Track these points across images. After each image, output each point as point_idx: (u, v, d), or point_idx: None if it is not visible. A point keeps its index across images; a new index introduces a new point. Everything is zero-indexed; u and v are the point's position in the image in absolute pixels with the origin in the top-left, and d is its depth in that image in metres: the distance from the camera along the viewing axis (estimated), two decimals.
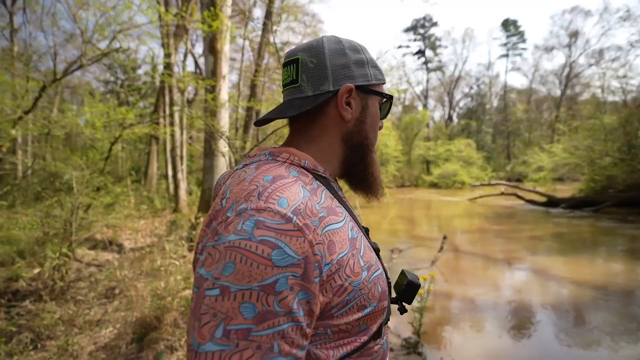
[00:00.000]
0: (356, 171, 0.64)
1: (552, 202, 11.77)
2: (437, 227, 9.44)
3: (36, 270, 4.02)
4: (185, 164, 9.41)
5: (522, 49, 37.45)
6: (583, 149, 13.06)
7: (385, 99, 0.66)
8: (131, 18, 5.67)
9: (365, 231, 0.66)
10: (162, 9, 6.14)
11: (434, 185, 23.94)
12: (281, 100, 0.67)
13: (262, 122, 0.66)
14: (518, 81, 76.57)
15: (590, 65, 30.61)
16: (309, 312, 0.44)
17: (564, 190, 13.60)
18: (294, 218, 0.44)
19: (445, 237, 6.12)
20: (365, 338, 0.53)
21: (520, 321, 3.50)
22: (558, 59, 59.96)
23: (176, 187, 8.76)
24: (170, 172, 10.33)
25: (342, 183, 0.70)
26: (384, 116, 0.67)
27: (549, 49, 34.39)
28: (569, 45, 32.31)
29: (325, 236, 0.47)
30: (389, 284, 0.60)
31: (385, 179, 10.85)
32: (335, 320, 0.49)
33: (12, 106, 4.88)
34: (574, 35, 31.67)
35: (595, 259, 5.80)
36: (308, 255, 0.44)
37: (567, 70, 32.56)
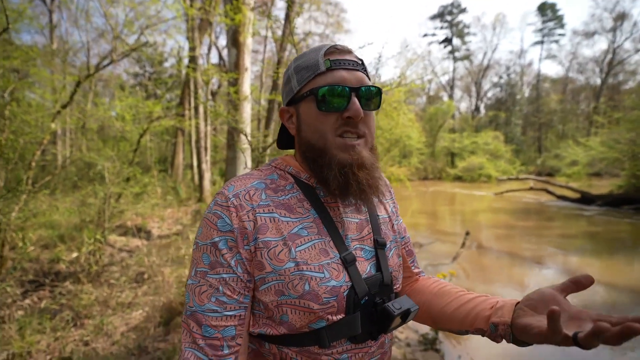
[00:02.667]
0: (319, 176, 0.63)
1: (586, 198, 11.11)
2: (460, 222, 9.20)
3: (74, 254, 4.32)
4: (209, 154, 9.68)
5: (560, 34, 35.09)
6: (625, 143, 12.17)
7: (307, 95, 0.62)
8: (158, 13, 5.83)
9: (376, 243, 0.66)
10: (187, 3, 6.26)
11: (458, 179, 23.24)
12: None
13: (280, 146, 0.78)
14: (552, 70, 72.18)
15: (638, 50, 28.24)
16: (246, 271, 0.58)
17: (600, 187, 12.79)
18: (232, 199, 0.60)
19: (468, 233, 5.97)
20: (285, 331, 0.58)
21: None
22: (599, 44, 55.74)
23: (200, 177, 9.05)
24: (195, 163, 10.68)
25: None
26: (324, 107, 0.60)
27: (589, 34, 32.00)
28: (613, 30, 29.85)
29: (260, 218, 0.59)
30: (370, 304, 0.60)
31: (408, 172, 10.65)
32: (260, 294, 0.59)
33: (52, 100, 5.20)
34: (620, 18, 29.19)
35: (634, 262, 5.45)
36: (240, 226, 0.58)
37: (609, 56, 30.21)
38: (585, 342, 0.44)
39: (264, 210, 0.60)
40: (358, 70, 0.64)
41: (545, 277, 4.89)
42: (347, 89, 0.60)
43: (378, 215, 0.72)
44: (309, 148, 0.64)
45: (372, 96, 0.64)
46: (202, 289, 0.57)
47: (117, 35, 4.94)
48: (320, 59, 0.62)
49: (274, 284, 0.58)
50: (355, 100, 0.61)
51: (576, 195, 11.56)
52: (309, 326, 0.58)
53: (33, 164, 3.82)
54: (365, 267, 0.64)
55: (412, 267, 0.82)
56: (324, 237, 0.61)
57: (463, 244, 5.68)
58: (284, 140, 0.75)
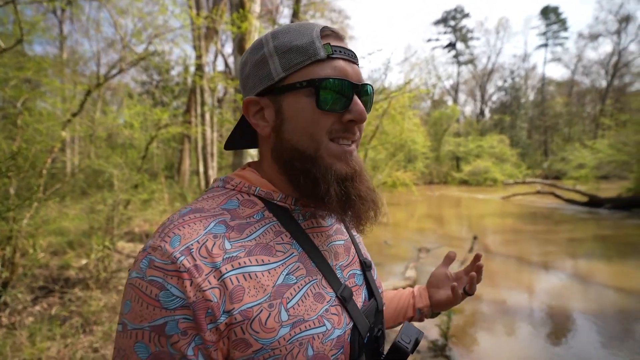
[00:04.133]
0: (308, 191, 0.50)
1: (594, 202, 10.98)
2: (467, 226, 9.13)
3: (84, 261, 4.37)
4: (215, 160, 9.75)
5: (564, 37, 35.03)
6: (632, 145, 12.04)
7: (303, 87, 0.48)
8: (166, 22, 5.94)
9: (363, 266, 0.59)
10: (194, 12, 6.38)
11: (463, 183, 23.12)
12: None
13: (228, 146, 0.63)
14: (557, 73, 71.85)
15: None
16: (209, 358, 0.41)
17: (609, 190, 12.63)
18: (181, 258, 0.41)
19: (475, 237, 5.92)
20: None
21: (557, 328, 3.33)
22: (604, 47, 55.50)
23: (207, 183, 9.11)
24: (201, 169, 10.76)
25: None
26: (326, 105, 0.48)
27: (594, 37, 31.89)
28: (618, 32, 29.75)
29: (230, 280, 0.42)
30: (371, 339, 0.51)
31: (414, 176, 10.61)
32: None
33: (63, 109, 5.30)
34: (625, 20, 29.09)
35: None
36: (197, 299, 0.40)
37: (615, 59, 30.04)
38: (470, 291, 0.70)
39: (232, 267, 0.43)
40: (356, 63, 0.52)
41: (554, 281, 4.82)
42: (351, 85, 0.49)
43: (355, 235, 0.64)
44: (296, 155, 0.49)
45: (371, 96, 0.54)
46: None
47: (126, 45, 5.05)
48: (317, 41, 0.48)
49: None
50: (358, 101, 0.50)
51: (584, 199, 11.42)
52: None
53: (44, 171, 3.89)
54: (360, 296, 0.55)
55: None
56: (315, 277, 0.49)
57: (471, 249, 5.64)
58: (236, 140, 0.61)
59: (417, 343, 0.53)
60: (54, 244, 4.86)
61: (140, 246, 5.84)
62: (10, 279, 3.21)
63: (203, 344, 0.40)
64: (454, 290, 0.68)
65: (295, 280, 0.47)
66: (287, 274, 0.46)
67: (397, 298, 0.77)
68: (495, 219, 10.24)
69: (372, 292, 0.58)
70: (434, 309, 0.75)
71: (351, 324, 0.49)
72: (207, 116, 9.17)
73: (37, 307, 3.39)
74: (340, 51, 0.49)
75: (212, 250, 0.43)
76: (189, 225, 0.44)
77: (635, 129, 12.37)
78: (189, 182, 12.56)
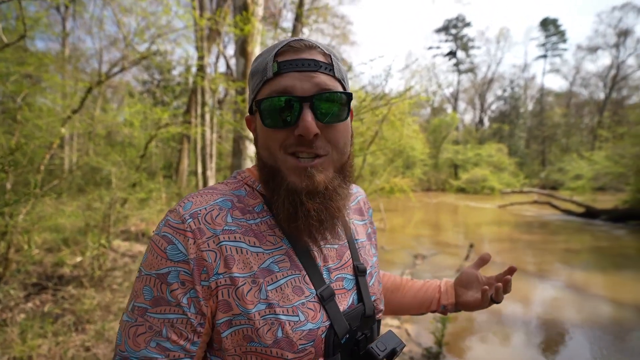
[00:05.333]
0: (270, 202, 0.54)
1: (591, 213, 11.03)
2: (464, 234, 9.14)
3: (79, 259, 4.33)
4: (214, 162, 9.74)
5: (563, 49, 35.39)
6: (629, 157, 12.13)
7: (254, 106, 0.53)
8: (169, 22, 5.97)
9: (356, 271, 0.59)
10: (197, 13, 6.41)
11: (461, 190, 23.18)
12: None
13: None
14: (556, 83, 72.56)
15: None
16: (200, 312, 0.47)
17: (605, 201, 12.70)
18: (189, 220, 0.49)
19: (472, 245, 5.93)
20: None
21: (551, 338, 3.34)
22: (603, 59, 56.14)
23: (205, 184, 9.09)
24: (200, 170, 10.73)
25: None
26: (267, 123, 0.50)
27: (593, 49, 32.24)
28: (616, 45, 30.10)
29: (225, 248, 0.49)
30: (350, 341, 0.53)
31: (411, 183, 10.63)
32: (225, 341, 0.48)
33: (63, 105, 5.30)
34: (624, 34, 29.47)
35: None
36: (197, 257, 0.47)
37: (613, 72, 30.35)
38: (497, 299, 0.71)
39: (229, 238, 0.49)
40: (318, 71, 0.50)
41: (549, 291, 4.83)
42: (295, 99, 0.48)
43: (357, 240, 0.65)
44: (263, 166, 0.54)
45: (335, 104, 0.50)
46: (138, 330, 0.46)
47: (129, 43, 5.06)
48: (270, 61, 0.50)
49: (241, 327, 0.48)
50: (307, 114, 0.48)
51: (580, 210, 11.47)
52: None
53: (42, 167, 3.87)
54: (347, 299, 0.56)
55: None
56: (298, 272, 0.52)
57: (467, 257, 5.64)
58: None
59: (393, 353, 0.53)
60: (49, 241, 4.82)
61: (136, 245, 5.80)
62: (4, 275, 3.18)
63: (196, 297, 0.47)
64: (484, 294, 0.70)
65: (278, 270, 0.51)
66: (271, 262, 0.51)
67: (423, 290, 0.80)
68: (491, 228, 10.26)
69: (361, 297, 0.58)
70: (458, 308, 0.77)
71: (328, 323, 0.51)
72: (208, 117, 9.18)
73: (30, 304, 3.36)
74: (290, 65, 0.49)
75: (215, 219, 0.50)
76: (202, 196, 0.52)
77: (632, 142, 12.48)
78: (187, 182, 12.53)
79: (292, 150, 0.50)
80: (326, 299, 0.52)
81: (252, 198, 0.55)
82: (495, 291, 0.70)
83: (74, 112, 4.27)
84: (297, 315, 0.50)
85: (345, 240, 0.62)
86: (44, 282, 3.76)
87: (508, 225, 10.24)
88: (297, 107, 0.49)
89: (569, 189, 16.06)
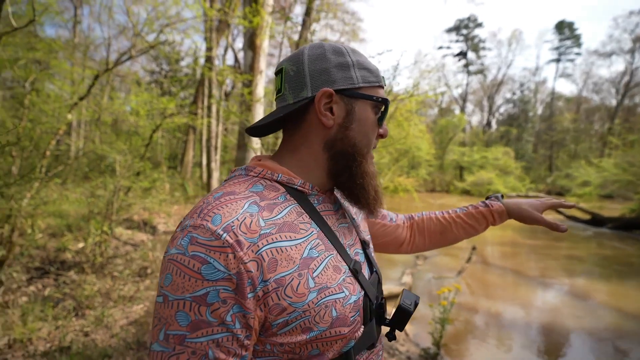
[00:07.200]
0: (342, 181, 0.60)
1: (597, 220, 10.88)
2: None
3: (81, 245, 4.37)
4: (219, 154, 9.76)
5: (576, 54, 34.80)
6: (639, 166, 11.94)
7: (378, 102, 0.60)
8: (178, 13, 5.95)
9: (363, 244, 0.67)
10: (207, 4, 6.38)
11: (466, 192, 23.00)
12: None
13: (251, 130, 0.64)
14: (566, 88, 71.45)
15: None
16: (246, 325, 0.46)
17: (612, 209, 12.54)
18: (224, 235, 0.46)
19: (474, 248, 5.88)
20: None
21: (552, 344, 3.30)
22: (616, 65, 55.09)
23: (209, 175, 9.13)
24: (204, 161, 10.78)
25: None
26: (380, 121, 0.62)
27: (606, 55, 31.66)
28: (632, 51, 29.48)
29: (265, 253, 0.48)
30: (377, 306, 0.60)
31: (416, 183, 10.57)
32: (279, 338, 0.49)
33: (70, 92, 5.31)
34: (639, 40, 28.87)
35: None
36: (240, 271, 0.45)
37: (626, 78, 29.82)
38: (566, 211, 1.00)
39: (267, 242, 0.49)
40: None
41: (551, 297, 4.78)
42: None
43: (353, 219, 0.71)
44: (355, 150, 0.59)
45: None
46: (180, 358, 0.44)
47: (138, 33, 5.05)
48: (379, 72, 0.63)
49: (299, 322, 0.49)
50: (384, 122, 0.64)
51: (586, 217, 11.33)
52: (340, 351, 0.54)
53: (48, 153, 3.89)
54: (365, 271, 0.63)
55: (393, 221, 0.90)
56: (332, 252, 0.56)
57: (469, 259, 5.60)
58: (264, 128, 0.64)
59: (416, 305, 0.62)
60: (53, 226, 4.87)
61: (138, 234, 5.84)
62: (7, 258, 3.21)
63: (242, 311, 0.46)
64: (549, 206, 0.89)
65: (318, 254, 0.54)
66: (310, 249, 0.53)
67: (472, 220, 0.90)
68: (494, 231, 10.18)
69: (372, 266, 0.66)
70: (510, 216, 0.89)
71: (362, 292, 0.57)
72: (214, 108, 9.18)
73: (32, 288, 3.39)
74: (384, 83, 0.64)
75: (250, 227, 0.48)
76: (227, 206, 0.49)
77: None
78: (192, 173, 12.58)
79: (372, 146, 0.63)
80: (358, 272, 0.58)
81: (272, 191, 0.56)
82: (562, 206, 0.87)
83: (81, 98, 4.28)
84: (343, 292, 0.54)
85: (349, 219, 0.68)
86: (46, 267, 3.80)
87: (511, 229, 10.15)
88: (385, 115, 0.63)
89: (575, 196, 15.88)
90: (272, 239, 0.49)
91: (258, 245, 0.47)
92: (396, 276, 4.92)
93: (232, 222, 0.47)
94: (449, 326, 3.05)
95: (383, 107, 0.62)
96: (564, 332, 3.58)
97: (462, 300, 4.01)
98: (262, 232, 0.49)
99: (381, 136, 0.64)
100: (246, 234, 0.47)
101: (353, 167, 0.59)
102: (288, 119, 0.61)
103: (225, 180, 0.59)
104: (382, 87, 0.62)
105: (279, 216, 0.52)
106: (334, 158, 0.59)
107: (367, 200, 0.61)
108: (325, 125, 0.58)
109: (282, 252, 0.50)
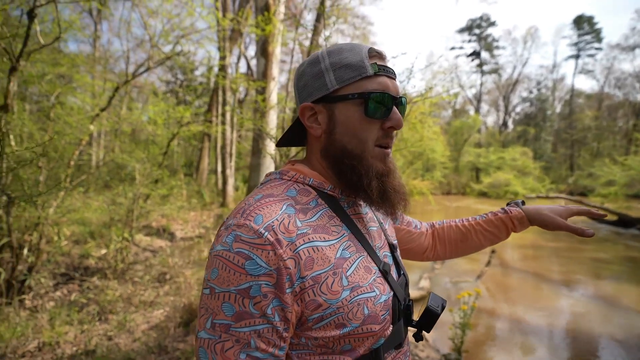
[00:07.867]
0: (353, 184, 0.59)
1: (624, 221, 10.40)
2: None
3: (103, 251, 4.51)
4: (234, 161, 9.92)
5: (597, 48, 33.63)
6: None
7: (354, 99, 0.57)
8: (192, 24, 6.13)
9: (392, 248, 0.69)
10: (220, 14, 6.55)
11: (483, 195, 22.45)
12: None
13: (279, 142, 0.70)
14: (587, 85, 69.13)
15: None
16: (284, 319, 0.50)
17: None
18: (265, 233, 0.49)
19: (493, 251, 5.74)
20: (349, 359, 0.54)
21: (578, 351, 3.16)
22: None
23: (224, 182, 9.27)
24: (219, 168, 10.97)
25: None
26: (372, 113, 0.58)
27: (629, 48, 30.46)
28: None
29: (302, 252, 0.51)
30: (405, 307, 0.62)
31: (431, 185, 10.42)
32: (314, 332, 0.53)
33: (92, 104, 5.54)
34: None
35: None
36: (279, 267, 0.49)
37: None
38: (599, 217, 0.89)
39: (304, 241, 0.52)
40: (395, 79, 0.62)
41: (576, 302, 4.59)
42: (391, 97, 0.59)
43: (381, 222, 0.73)
44: (345, 153, 0.59)
45: (405, 107, 0.64)
46: (225, 345, 0.48)
47: (155, 45, 5.23)
48: (366, 60, 0.58)
49: (333, 318, 0.52)
50: (397, 110, 0.60)
51: (613, 218, 10.84)
52: (371, 348, 0.56)
53: (72, 163, 4.05)
54: (394, 273, 0.65)
55: (417, 228, 0.91)
56: (363, 253, 0.59)
57: (488, 262, 5.46)
58: (287, 139, 0.70)
59: (443, 307, 0.64)
60: (77, 233, 5.04)
61: (157, 241, 5.98)
62: (35, 264, 3.35)
63: (281, 305, 0.49)
64: (572, 213, 0.88)
65: (350, 255, 0.56)
66: (342, 250, 0.56)
67: (492, 227, 0.90)
68: (514, 234, 9.88)
69: (399, 269, 0.67)
70: (531, 222, 0.90)
71: (392, 293, 0.60)
72: (228, 116, 9.34)
73: (58, 293, 3.52)
74: (384, 69, 0.60)
75: (288, 227, 0.52)
76: (267, 207, 0.53)
77: None
78: (207, 180, 12.81)
79: (379, 142, 0.60)
80: (388, 273, 0.61)
81: (305, 195, 0.59)
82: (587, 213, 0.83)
83: (102, 110, 4.45)
84: (374, 291, 0.56)
85: (378, 223, 0.70)
86: (71, 273, 3.94)
87: (533, 231, 9.83)
88: (391, 105, 0.59)
89: (599, 196, 15.25)
90: (308, 238, 0.53)
91: (296, 244, 0.51)
92: (414, 280, 4.84)
93: (273, 222, 0.51)
94: (470, 331, 2.97)
95: (370, 99, 0.57)
96: (591, 338, 3.43)
97: (482, 304, 3.90)
98: (299, 232, 0.52)
99: (392, 128, 0.60)
100: (285, 233, 0.51)
101: (358, 168, 0.58)
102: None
103: (262, 184, 0.63)
104: (370, 76, 0.58)
105: (312, 219, 0.56)
106: (333, 164, 0.61)
107: (386, 200, 0.60)
108: (315, 135, 0.62)
109: (318, 251, 0.53)
